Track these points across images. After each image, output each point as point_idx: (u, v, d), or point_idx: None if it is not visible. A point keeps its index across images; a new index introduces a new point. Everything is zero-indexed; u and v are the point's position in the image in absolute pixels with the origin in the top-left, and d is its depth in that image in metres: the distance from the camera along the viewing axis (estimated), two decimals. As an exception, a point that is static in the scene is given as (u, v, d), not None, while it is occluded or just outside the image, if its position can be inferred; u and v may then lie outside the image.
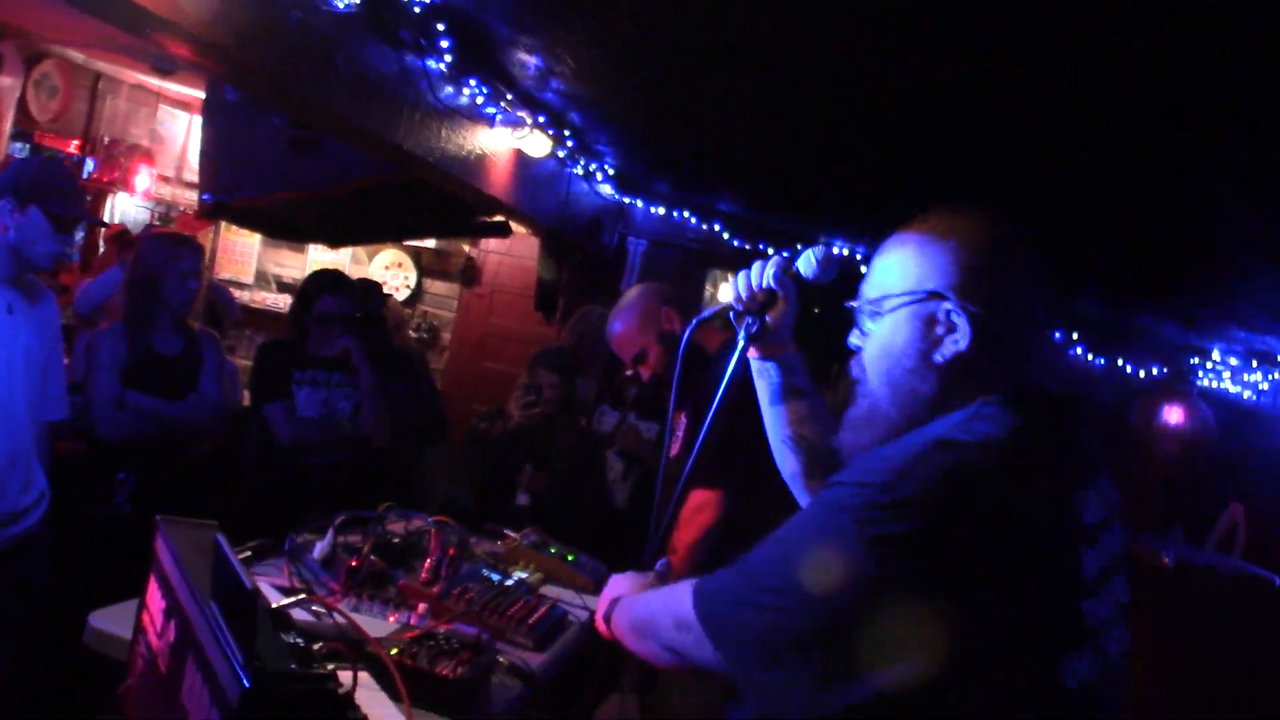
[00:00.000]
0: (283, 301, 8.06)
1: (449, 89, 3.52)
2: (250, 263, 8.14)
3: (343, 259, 8.08)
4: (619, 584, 1.88)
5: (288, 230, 5.50)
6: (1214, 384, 6.08)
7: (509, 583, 3.10)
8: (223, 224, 7.77)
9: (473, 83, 3.55)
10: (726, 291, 6.45)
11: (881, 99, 3.39)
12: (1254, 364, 5.61)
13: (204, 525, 1.95)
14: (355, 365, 4.20)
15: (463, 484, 5.17)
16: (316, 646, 1.81)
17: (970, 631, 1.29)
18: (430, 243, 7.94)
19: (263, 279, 8.22)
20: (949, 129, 3.55)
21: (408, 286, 8.08)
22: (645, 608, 1.66)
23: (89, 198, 6.51)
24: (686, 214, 6.19)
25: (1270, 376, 5.54)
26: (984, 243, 1.52)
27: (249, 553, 1.87)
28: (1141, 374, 6.15)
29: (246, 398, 4.53)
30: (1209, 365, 6.02)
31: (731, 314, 2.02)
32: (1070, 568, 1.37)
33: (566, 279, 6.25)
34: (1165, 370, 6.05)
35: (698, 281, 6.65)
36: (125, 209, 7.33)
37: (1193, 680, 3.72)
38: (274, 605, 1.62)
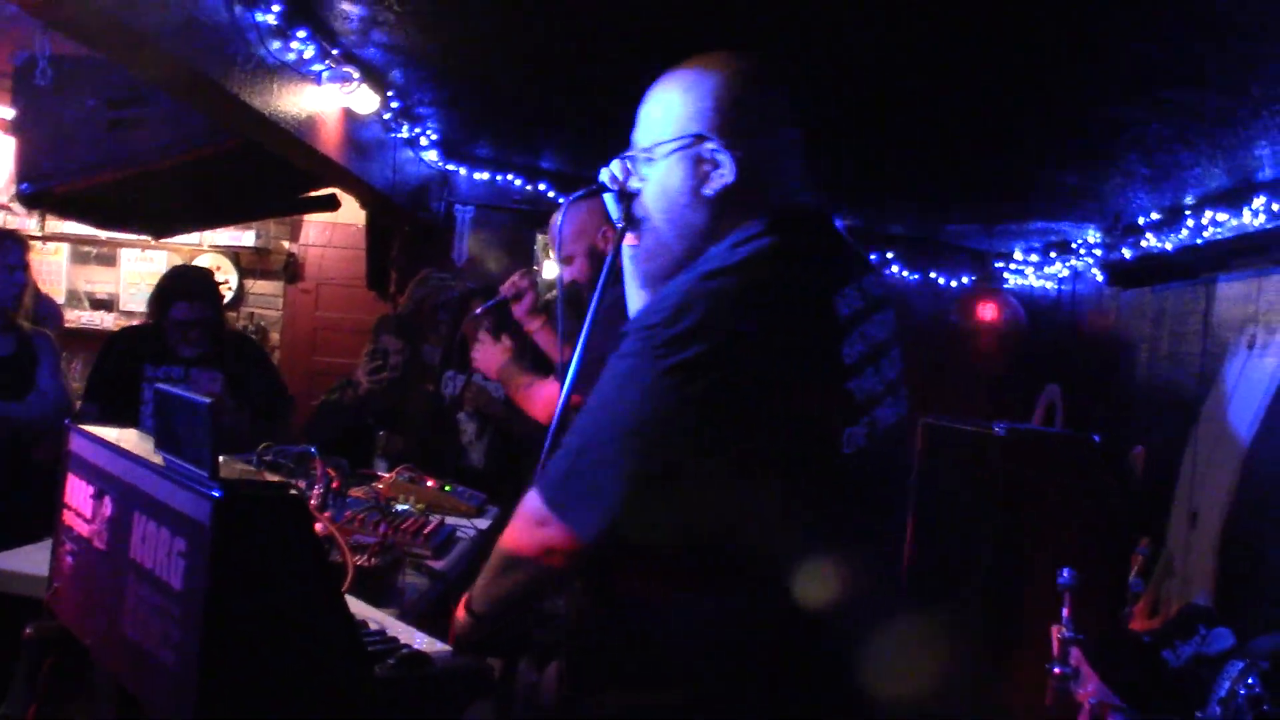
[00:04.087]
0: (98, 319, 7.82)
1: (277, 43, 3.54)
2: (60, 281, 7.85)
3: (159, 267, 7.85)
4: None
5: (113, 217, 5.35)
6: (1019, 282, 6.55)
7: (396, 509, 3.18)
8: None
9: (301, 34, 3.56)
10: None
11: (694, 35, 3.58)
12: (1051, 255, 6.09)
13: (120, 429, 1.99)
14: (224, 405, 4.12)
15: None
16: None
17: (760, 424, 1.51)
18: (249, 241, 7.81)
19: (74, 297, 7.92)
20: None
21: (229, 289, 7.90)
22: (501, 546, 1.70)
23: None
24: (511, 176, 6.28)
25: (1068, 264, 6.02)
26: (738, 81, 1.73)
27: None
28: (953, 284, 6.60)
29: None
30: (1012, 266, 6.49)
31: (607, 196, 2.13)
32: (834, 359, 1.59)
33: (396, 251, 6.27)
34: (974, 278, 6.50)
35: (528, 242, 6.75)
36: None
37: (1036, 535, 4.05)
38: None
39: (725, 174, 1.68)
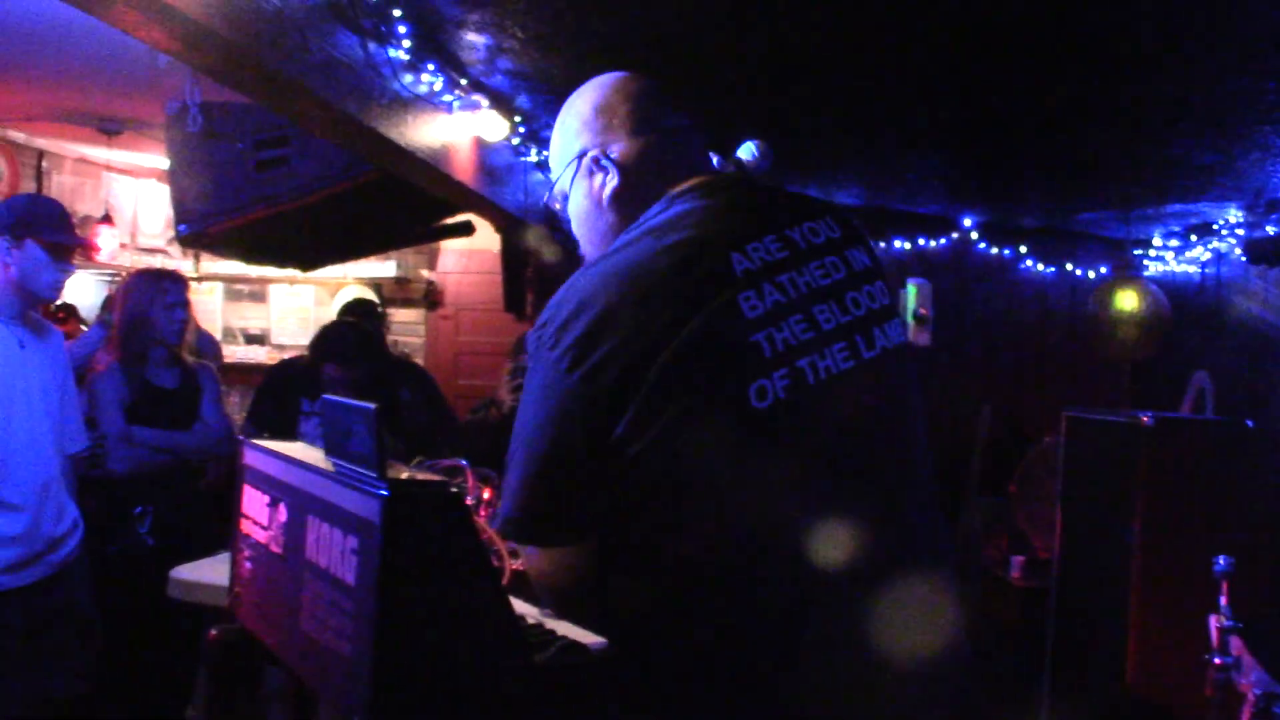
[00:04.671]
0: (252, 353, 8.21)
1: (409, 77, 3.70)
2: (215, 319, 8.27)
3: (306, 301, 8.24)
4: None
5: (263, 253, 5.63)
6: (1160, 269, 6.39)
7: (545, 518, 3.28)
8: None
9: (431, 67, 3.72)
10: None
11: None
12: (1192, 239, 5.94)
13: (283, 443, 2.13)
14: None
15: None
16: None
17: (658, 390, 1.53)
18: (390, 272, 8.13)
19: (229, 334, 8.34)
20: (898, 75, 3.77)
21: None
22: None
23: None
24: (637, 194, 6.39)
25: (1210, 246, 5.86)
26: (599, 92, 1.83)
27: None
28: (1091, 274, 6.48)
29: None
30: (1151, 253, 6.34)
31: None
32: (726, 313, 1.57)
33: (531, 273, 6.42)
34: (1112, 267, 6.37)
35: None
36: (77, 295, 7.42)
37: (1184, 525, 3.97)
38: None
39: (612, 177, 1.77)
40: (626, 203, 1.76)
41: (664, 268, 1.59)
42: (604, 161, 1.77)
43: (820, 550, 1.55)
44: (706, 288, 1.58)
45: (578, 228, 1.86)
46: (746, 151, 2.20)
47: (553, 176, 1.89)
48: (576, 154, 1.81)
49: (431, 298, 8.27)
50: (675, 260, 1.60)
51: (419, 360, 8.22)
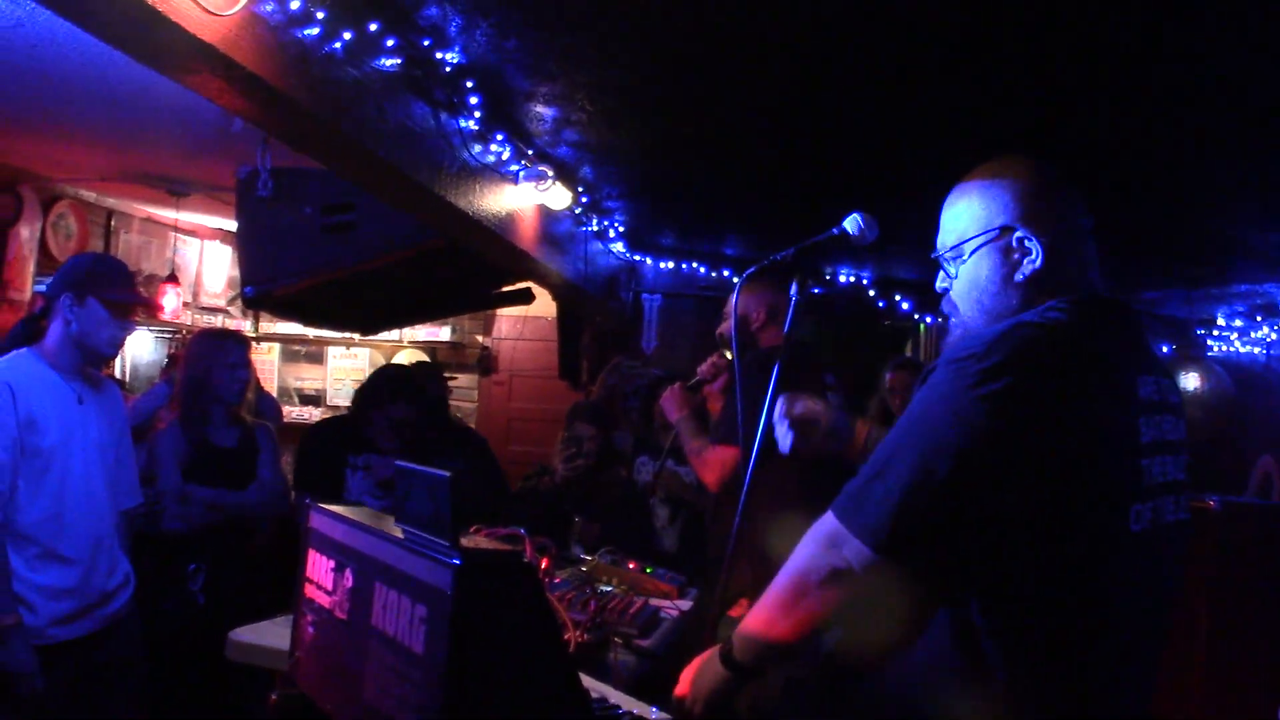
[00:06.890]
0: (307, 413, 8.27)
1: (478, 147, 3.75)
2: (272, 379, 8.37)
3: (362, 363, 8.32)
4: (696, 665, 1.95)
5: (326, 316, 5.69)
6: (1224, 349, 6.29)
7: (601, 590, 3.26)
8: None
9: (500, 137, 3.78)
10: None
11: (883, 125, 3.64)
12: (1258, 319, 5.84)
13: (347, 506, 2.13)
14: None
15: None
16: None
17: (1055, 471, 1.55)
18: (446, 336, 8.20)
19: (285, 393, 8.43)
20: (945, 143, 3.78)
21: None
22: (788, 573, 1.74)
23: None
24: (695, 264, 6.43)
25: (1276, 326, 5.76)
26: (1033, 177, 1.85)
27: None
28: (1153, 353, 6.39)
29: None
30: (1215, 332, 6.25)
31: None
32: (1131, 431, 1.64)
33: (587, 341, 6.45)
34: (1174, 346, 6.28)
35: (714, 327, 6.84)
36: (137, 352, 7.57)
37: (1251, 613, 3.86)
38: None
39: (1035, 259, 1.78)
40: (1037, 289, 1.78)
41: (1089, 367, 1.63)
42: (1030, 244, 1.79)
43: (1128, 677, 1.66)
44: (1120, 398, 1.65)
45: (966, 296, 1.87)
46: (852, 224, 2.22)
47: (947, 239, 1.90)
48: (997, 225, 1.83)
49: (486, 363, 8.30)
50: (1098, 365, 1.65)
51: (471, 425, 8.27)
